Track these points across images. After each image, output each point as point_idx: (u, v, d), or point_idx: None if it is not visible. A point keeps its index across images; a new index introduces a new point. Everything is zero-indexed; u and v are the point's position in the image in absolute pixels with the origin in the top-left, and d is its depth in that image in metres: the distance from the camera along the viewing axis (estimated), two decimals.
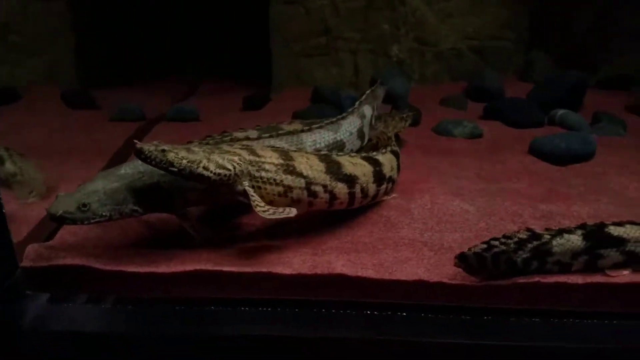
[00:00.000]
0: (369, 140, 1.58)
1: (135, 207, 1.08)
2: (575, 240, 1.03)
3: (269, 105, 2.34)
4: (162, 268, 1.05)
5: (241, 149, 1.08)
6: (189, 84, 2.75)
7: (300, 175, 1.09)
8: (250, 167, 1.05)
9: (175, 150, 0.99)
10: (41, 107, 2.19)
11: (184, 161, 0.98)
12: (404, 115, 1.74)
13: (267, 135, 1.29)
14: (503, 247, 1.02)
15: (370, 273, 1.05)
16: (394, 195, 1.36)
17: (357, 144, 1.49)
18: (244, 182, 1.04)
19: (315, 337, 1.00)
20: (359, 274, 1.04)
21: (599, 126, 1.88)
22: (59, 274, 1.05)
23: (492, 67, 2.45)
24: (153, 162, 0.97)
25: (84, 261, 1.05)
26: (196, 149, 1.03)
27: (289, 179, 1.08)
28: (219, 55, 3.12)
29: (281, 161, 1.09)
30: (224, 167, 1.02)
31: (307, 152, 1.15)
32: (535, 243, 1.02)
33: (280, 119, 2.08)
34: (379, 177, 1.25)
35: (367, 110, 1.55)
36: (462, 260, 1.02)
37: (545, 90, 2.12)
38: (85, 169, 1.49)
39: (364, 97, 1.58)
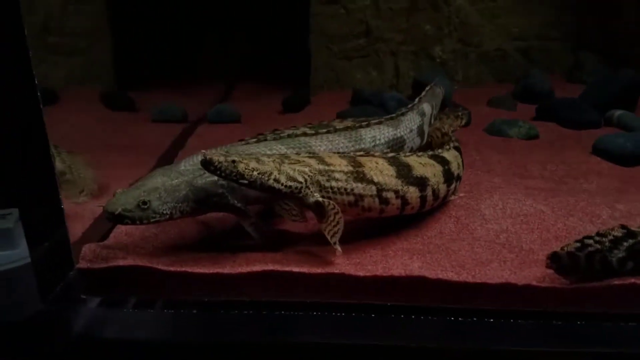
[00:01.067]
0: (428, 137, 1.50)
1: (197, 206, 1.00)
2: None
3: (308, 108, 2.27)
4: (228, 269, 0.98)
5: (309, 157, 1.02)
6: (226, 87, 2.69)
7: (371, 182, 1.02)
8: (320, 177, 0.99)
9: (245, 161, 0.93)
10: (81, 108, 2.14)
11: (255, 173, 0.92)
12: (459, 114, 1.66)
13: (324, 130, 1.22)
14: (598, 246, 0.93)
15: (451, 275, 0.96)
16: (460, 194, 1.28)
17: (417, 142, 1.41)
18: (315, 194, 0.97)
19: (392, 346, 0.92)
20: (440, 276, 0.96)
21: None
22: (118, 276, 0.98)
23: (539, 68, 2.36)
24: (223, 174, 0.91)
25: (145, 262, 0.98)
26: (265, 159, 0.96)
27: (359, 187, 1.01)
28: (255, 56, 3.07)
29: (350, 168, 1.02)
30: (295, 180, 0.95)
31: (374, 156, 1.08)
32: (631, 241, 0.94)
33: (322, 119, 2.02)
34: (448, 176, 1.17)
35: (427, 107, 1.48)
36: (555, 260, 0.93)
37: (598, 90, 2.03)
38: (134, 168, 1.43)
39: (423, 93, 1.50)
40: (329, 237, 0.97)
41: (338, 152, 1.08)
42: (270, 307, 0.95)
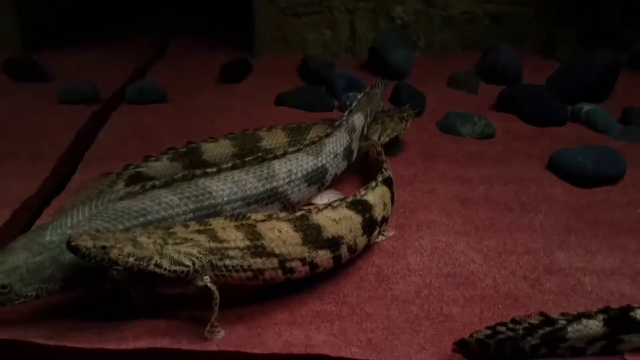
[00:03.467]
0: (359, 149, 1.50)
1: (66, 284, 1.01)
2: (595, 326, 0.98)
3: (250, 77, 2.23)
4: (113, 344, 0.99)
5: (199, 232, 1.01)
6: (155, 46, 2.60)
7: (272, 254, 1.03)
8: (211, 257, 0.99)
9: (119, 246, 0.92)
10: None
11: (131, 259, 0.92)
12: (405, 115, 1.65)
13: (229, 165, 1.20)
14: (510, 334, 0.97)
15: (355, 353, 1.00)
16: (390, 234, 1.30)
17: (343, 165, 1.40)
18: (204, 278, 0.99)
19: None
20: (342, 354, 0.99)
21: (629, 129, 1.79)
22: None
23: (510, 37, 2.34)
24: (92, 261, 0.91)
25: (20, 335, 0.99)
26: (145, 240, 0.95)
27: (258, 262, 1.02)
28: (190, 8, 2.95)
29: (247, 243, 1.02)
30: (181, 263, 0.96)
31: (279, 219, 1.07)
32: (547, 329, 0.98)
33: (262, 98, 2.01)
34: (369, 225, 1.18)
35: (358, 120, 1.45)
36: (462, 347, 0.98)
37: (569, 73, 2.01)
38: (21, 182, 1.41)
39: (355, 103, 1.47)
40: (212, 322, 1.00)
41: (235, 222, 1.06)
42: None
